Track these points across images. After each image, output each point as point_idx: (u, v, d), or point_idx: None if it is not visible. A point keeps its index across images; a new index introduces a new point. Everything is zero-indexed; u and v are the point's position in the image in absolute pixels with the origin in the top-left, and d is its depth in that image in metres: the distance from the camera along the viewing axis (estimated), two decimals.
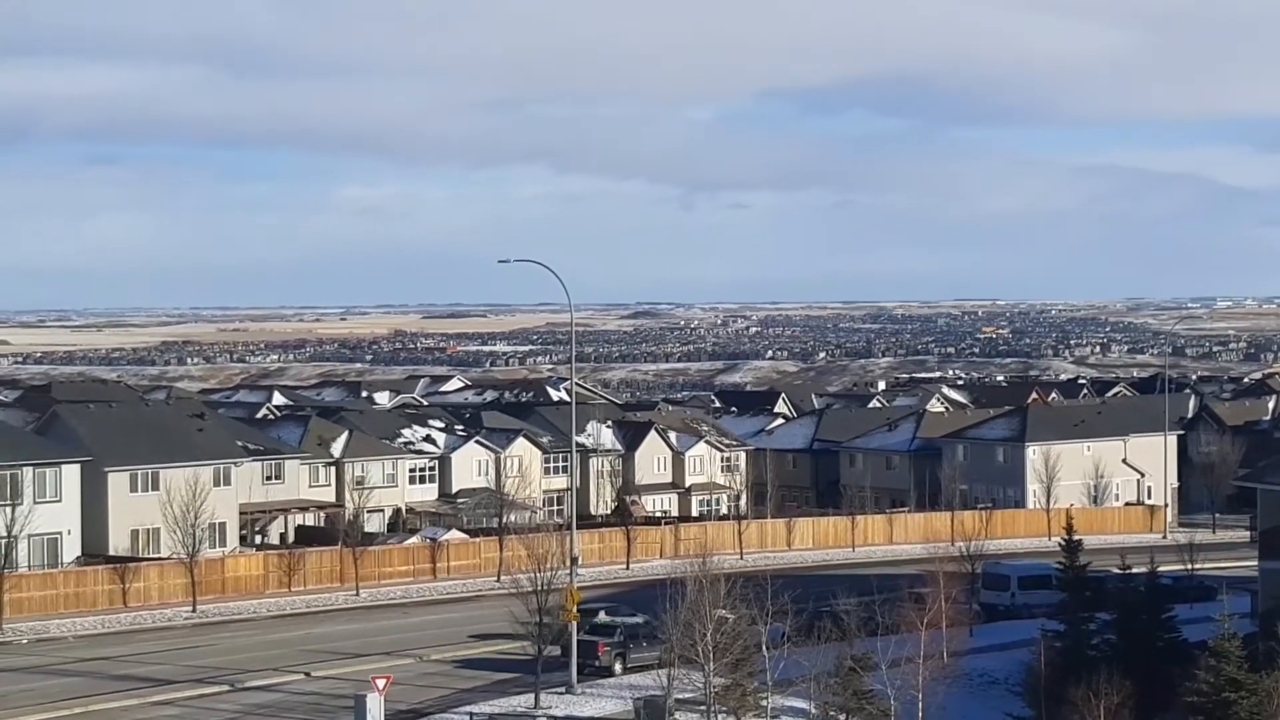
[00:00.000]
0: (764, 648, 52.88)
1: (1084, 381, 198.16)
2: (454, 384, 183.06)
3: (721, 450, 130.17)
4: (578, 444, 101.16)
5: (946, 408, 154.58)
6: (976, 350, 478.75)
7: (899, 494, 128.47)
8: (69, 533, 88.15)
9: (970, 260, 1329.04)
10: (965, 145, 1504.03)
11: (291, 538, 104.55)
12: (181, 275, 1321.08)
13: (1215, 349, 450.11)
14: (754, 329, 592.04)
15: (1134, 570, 62.23)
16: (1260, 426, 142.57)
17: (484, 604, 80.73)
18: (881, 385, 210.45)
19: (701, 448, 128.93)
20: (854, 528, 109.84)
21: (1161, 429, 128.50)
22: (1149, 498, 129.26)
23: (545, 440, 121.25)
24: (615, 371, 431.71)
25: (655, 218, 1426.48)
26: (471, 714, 56.27)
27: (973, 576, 72.07)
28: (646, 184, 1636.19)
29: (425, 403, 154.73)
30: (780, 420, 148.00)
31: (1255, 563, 69.30)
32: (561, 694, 59.42)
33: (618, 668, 64.14)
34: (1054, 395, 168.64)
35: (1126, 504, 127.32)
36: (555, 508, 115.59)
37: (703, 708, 53.08)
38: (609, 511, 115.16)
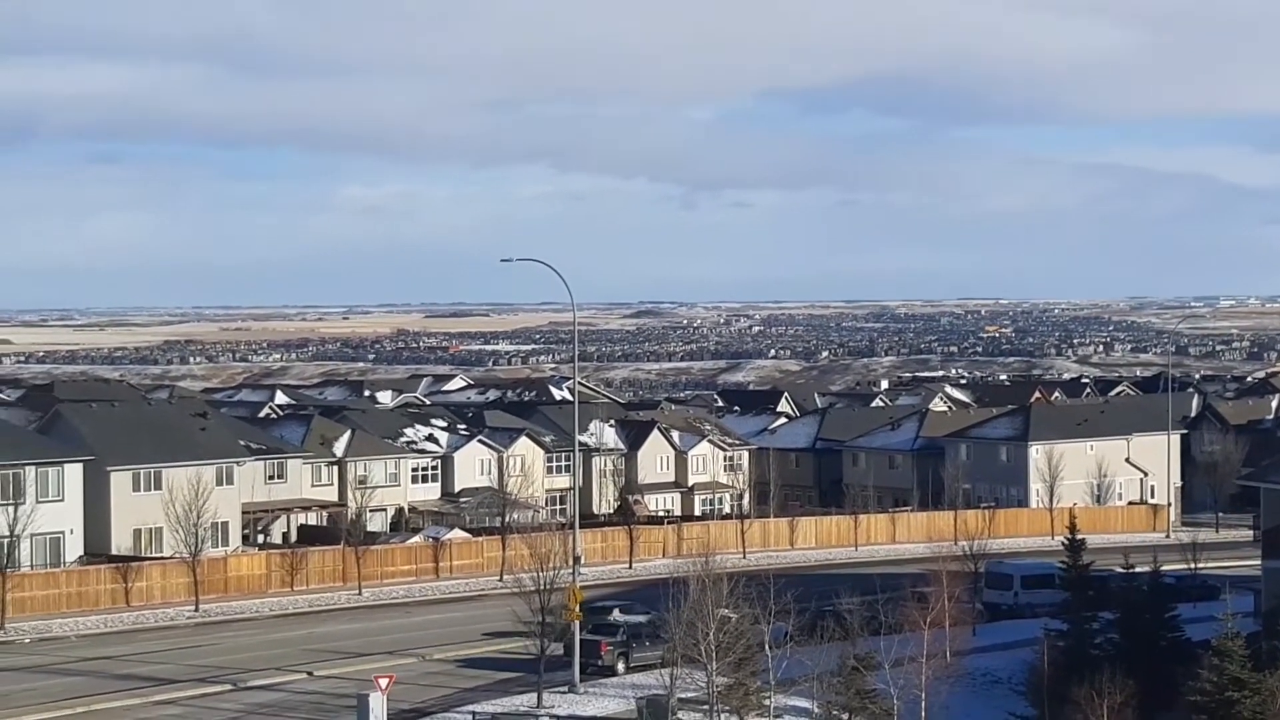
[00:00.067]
0: (767, 647, 52.87)
1: (1087, 381, 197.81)
2: (456, 383, 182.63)
3: (724, 449, 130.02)
4: (580, 443, 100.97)
5: (949, 407, 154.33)
6: (979, 349, 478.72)
7: (902, 493, 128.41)
8: (71, 532, 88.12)
9: (973, 259, 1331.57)
10: (967, 144, 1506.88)
11: (294, 537, 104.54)
12: (183, 274, 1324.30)
13: (1218, 348, 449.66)
14: (756, 328, 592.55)
15: (1137, 569, 62.34)
16: (1263, 425, 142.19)
17: (487, 603, 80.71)
18: (884, 384, 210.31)
19: (704, 447, 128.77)
20: (857, 527, 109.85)
21: (1165, 428, 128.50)
22: (1152, 497, 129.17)
23: (548, 439, 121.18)
24: (618, 371, 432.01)
25: (657, 217, 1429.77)
26: (474, 713, 56.21)
27: (976, 576, 72.11)
28: (648, 183, 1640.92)
29: (428, 402, 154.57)
30: (783, 419, 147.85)
31: (1258, 562, 69.39)
32: (564, 693, 59.39)
33: (621, 667, 64.13)
34: (1057, 394, 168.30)
35: (1129, 503, 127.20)
36: (558, 507, 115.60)
37: (705, 707, 53.06)
38: (612, 511, 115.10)
